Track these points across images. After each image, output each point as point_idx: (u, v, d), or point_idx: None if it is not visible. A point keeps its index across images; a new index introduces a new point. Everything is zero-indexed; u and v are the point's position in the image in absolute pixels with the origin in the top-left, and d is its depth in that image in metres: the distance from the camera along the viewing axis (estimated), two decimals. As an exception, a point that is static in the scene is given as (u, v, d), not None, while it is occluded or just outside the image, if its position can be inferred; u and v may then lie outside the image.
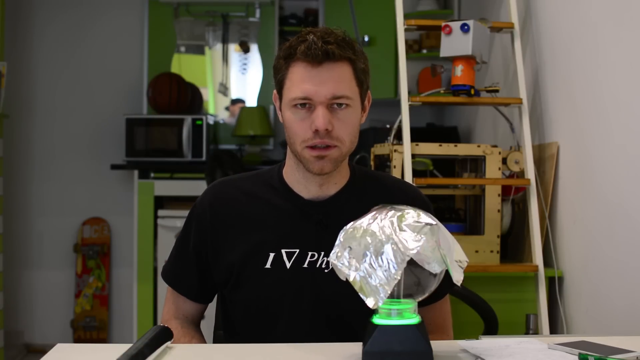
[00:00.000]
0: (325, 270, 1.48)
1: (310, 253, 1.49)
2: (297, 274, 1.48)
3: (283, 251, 1.49)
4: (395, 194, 1.55)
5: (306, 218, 1.50)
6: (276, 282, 1.49)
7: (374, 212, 1.20)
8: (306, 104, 1.42)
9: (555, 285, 2.52)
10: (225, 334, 1.64)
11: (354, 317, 1.39)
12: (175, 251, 1.61)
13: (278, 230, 1.50)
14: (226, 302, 1.59)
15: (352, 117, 1.45)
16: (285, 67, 1.45)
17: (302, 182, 1.51)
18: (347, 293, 1.27)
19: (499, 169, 2.59)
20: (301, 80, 1.42)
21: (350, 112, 1.45)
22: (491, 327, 2.20)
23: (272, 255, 1.49)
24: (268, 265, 1.49)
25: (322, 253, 1.48)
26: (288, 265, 1.48)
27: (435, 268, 1.15)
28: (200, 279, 1.57)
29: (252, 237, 1.51)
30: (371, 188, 1.56)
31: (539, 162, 2.69)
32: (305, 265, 1.48)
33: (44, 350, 1.58)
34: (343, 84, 1.42)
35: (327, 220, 1.49)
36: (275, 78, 1.49)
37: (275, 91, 1.51)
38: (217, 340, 1.71)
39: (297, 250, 1.49)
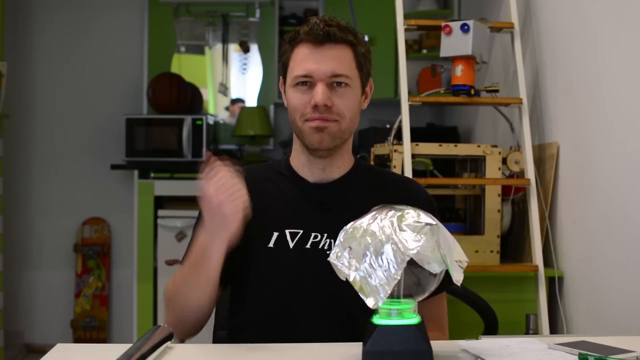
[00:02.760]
0: (328, 252, 1.48)
1: (313, 234, 1.52)
2: (299, 254, 1.51)
3: (287, 231, 1.52)
4: (399, 187, 1.60)
5: (310, 200, 1.55)
6: (278, 261, 1.52)
7: (374, 212, 1.20)
8: (307, 82, 1.49)
9: (555, 285, 2.52)
10: (230, 317, 1.63)
11: (354, 297, 1.39)
12: (194, 237, 1.58)
13: (283, 211, 1.55)
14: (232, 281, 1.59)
15: (352, 96, 1.51)
16: (289, 50, 1.52)
17: (306, 165, 1.57)
18: None
19: (499, 169, 2.59)
20: (303, 59, 1.49)
21: (350, 91, 1.51)
22: (491, 327, 2.20)
23: (275, 234, 1.52)
24: (271, 245, 1.52)
25: (325, 235, 1.52)
26: (291, 245, 1.52)
27: (435, 268, 1.15)
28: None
29: (258, 218, 1.52)
30: (374, 178, 1.62)
31: (539, 162, 2.69)
32: (308, 246, 1.52)
33: (44, 350, 1.58)
34: (343, 63, 1.49)
35: (330, 202, 1.54)
36: (280, 62, 1.57)
37: (281, 77, 1.57)
38: (217, 340, 1.71)
39: (301, 231, 1.52)
